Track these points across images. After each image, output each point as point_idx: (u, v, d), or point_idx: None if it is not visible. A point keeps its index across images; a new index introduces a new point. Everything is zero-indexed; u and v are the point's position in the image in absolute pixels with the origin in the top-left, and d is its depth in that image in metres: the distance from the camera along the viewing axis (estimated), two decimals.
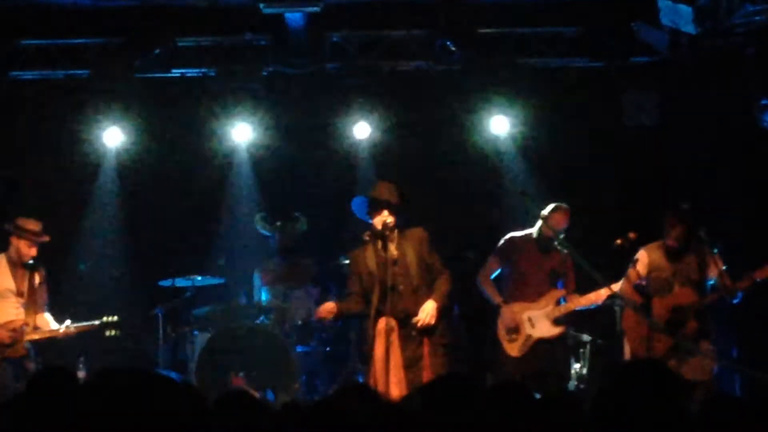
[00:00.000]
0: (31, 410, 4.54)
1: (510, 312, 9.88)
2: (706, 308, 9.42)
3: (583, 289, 9.84)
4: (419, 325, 8.95)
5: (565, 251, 9.66)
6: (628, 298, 9.36)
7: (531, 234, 10.06)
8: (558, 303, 9.95)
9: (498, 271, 10.17)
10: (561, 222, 9.85)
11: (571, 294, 10.00)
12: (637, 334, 9.29)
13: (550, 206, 9.89)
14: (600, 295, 9.67)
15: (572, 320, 10.20)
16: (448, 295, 9.20)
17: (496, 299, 9.98)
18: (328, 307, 9.29)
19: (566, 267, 9.98)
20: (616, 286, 9.43)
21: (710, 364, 9.30)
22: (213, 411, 5.17)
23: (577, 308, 9.94)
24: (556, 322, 9.90)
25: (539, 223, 9.93)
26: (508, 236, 10.15)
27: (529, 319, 9.86)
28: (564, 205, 9.93)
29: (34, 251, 9.97)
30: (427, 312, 8.97)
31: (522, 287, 9.98)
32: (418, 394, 5.29)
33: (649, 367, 4.10)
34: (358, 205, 9.39)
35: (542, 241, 9.96)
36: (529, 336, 9.84)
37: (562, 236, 9.66)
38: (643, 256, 9.53)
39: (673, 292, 9.40)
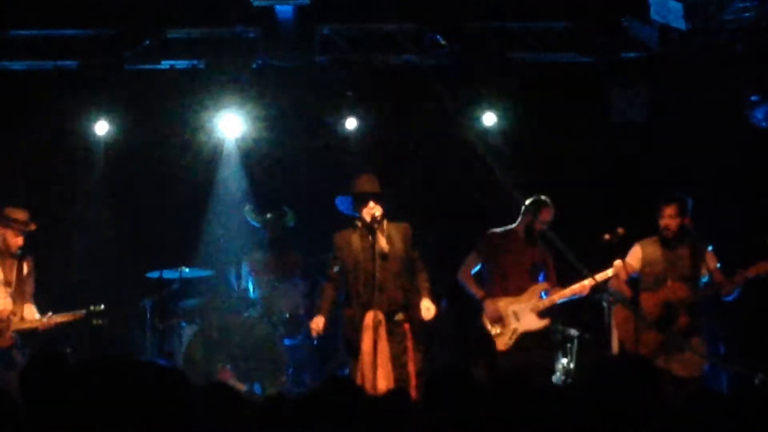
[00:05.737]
0: (24, 395, 4.55)
1: (493, 306, 9.89)
2: (698, 304, 9.45)
3: (568, 280, 9.86)
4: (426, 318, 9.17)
5: (543, 247, 9.78)
6: (619, 292, 9.37)
7: (513, 229, 10.07)
8: (541, 296, 9.96)
9: (478, 267, 10.16)
10: (547, 217, 9.88)
11: (552, 287, 10.02)
12: (626, 329, 9.30)
13: (533, 200, 9.91)
14: (584, 287, 9.73)
15: (557, 313, 10.21)
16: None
17: (479, 294, 9.98)
18: (317, 325, 9.39)
19: (546, 260, 10.01)
20: (601, 276, 9.46)
21: (700, 361, 9.32)
22: (198, 404, 5.18)
23: (560, 300, 9.95)
24: (541, 315, 9.91)
25: (524, 217, 9.96)
26: (488, 232, 10.14)
27: (514, 313, 9.86)
28: (548, 200, 9.96)
29: (20, 241, 9.95)
30: (430, 309, 9.20)
31: (504, 282, 9.98)
32: (425, 388, 5.34)
33: (634, 363, 4.10)
34: (342, 203, 9.46)
35: (529, 235, 9.97)
36: (515, 330, 9.85)
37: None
38: (637, 251, 9.56)
39: (665, 287, 9.41)
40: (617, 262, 9.40)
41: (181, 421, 2.92)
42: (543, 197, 9.95)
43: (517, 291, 9.95)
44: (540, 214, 9.85)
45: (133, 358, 2.96)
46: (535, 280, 10.04)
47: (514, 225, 10.09)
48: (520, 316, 9.88)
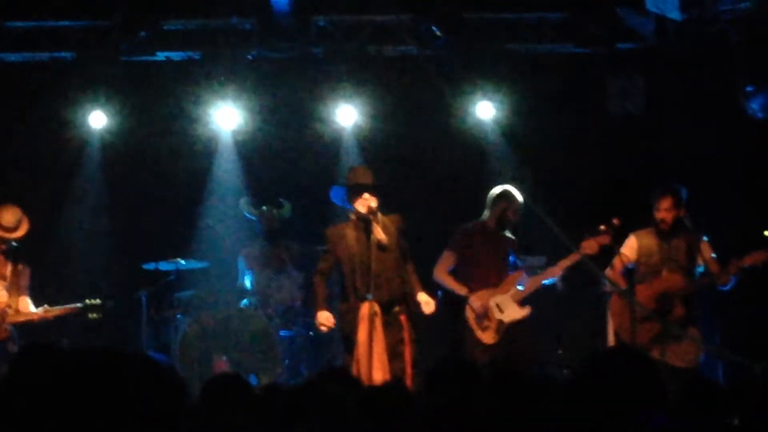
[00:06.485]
0: (13, 384, 4.55)
1: (480, 301, 9.86)
2: (694, 295, 9.46)
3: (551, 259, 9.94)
4: (426, 312, 9.24)
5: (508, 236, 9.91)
6: (615, 282, 9.37)
7: (483, 221, 10.05)
8: (519, 284, 9.95)
9: (453, 264, 10.13)
10: (519, 206, 9.92)
11: (525, 274, 10.05)
12: (622, 320, 9.31)
13: (504, 191, 9.86)
14: (554, 271, 9.77)
15: (548, 302, 10.25)
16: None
17: (462, 290, 9.90)
18: (327, 319, 9.37)
19: (514, 248, 10.03)
20: (584, 249, 9.44)
21: (696, 352, 9.33)
22: (200, 394, 5.19)
23: (539, 285, 9.95)
24: (522, 304, 9.91)
25: (495, 208, 9.95)
26: (460, 228, 10.12)
27: (497, 305, 9.84)
28: (516, 190, 9.96)
29: (2, 246, 9.86)
30: (429, 303, 9.25)
31: (481, 275, 9.94)
32: (426, 378, 5.35)
33: (628, 355, 4.11)
34: (336, 194, 9.44)
35: (501, 226, 9.97)
36: (501, 321, 9.82)
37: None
38: (632, 241, 9.57)
39: (661, 277, 9.43)
40: (586, 242, 9.44)
41: (172, 412, 2.92)
42: (511, 187, 9.92)
43: (495, 283, 9.93)
44: (513, 205, 9.87)
45: (121, 348, 2.94)
46: (509, 270, 10.05)
47: (483, 218, 10.07)
48: (503, 307, 9.85)
